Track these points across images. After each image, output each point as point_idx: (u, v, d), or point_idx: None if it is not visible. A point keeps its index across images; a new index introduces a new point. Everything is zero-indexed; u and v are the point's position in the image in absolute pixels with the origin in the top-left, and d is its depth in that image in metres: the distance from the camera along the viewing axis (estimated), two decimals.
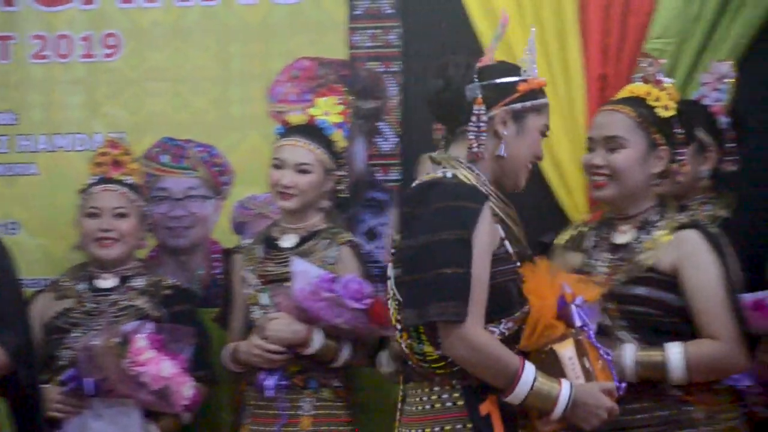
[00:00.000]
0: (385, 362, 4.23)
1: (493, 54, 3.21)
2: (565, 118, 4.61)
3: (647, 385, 3.43)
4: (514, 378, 3.02)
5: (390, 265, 3.15)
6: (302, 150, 4.26)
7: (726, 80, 4.13)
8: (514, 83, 3.15)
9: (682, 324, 3.49)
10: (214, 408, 4.51)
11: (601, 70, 4.59)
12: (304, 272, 4.10)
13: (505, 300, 3.06)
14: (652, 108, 3.53)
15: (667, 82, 3.56)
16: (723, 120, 4.09)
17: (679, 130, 3.54)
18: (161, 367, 4.06)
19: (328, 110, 4.32)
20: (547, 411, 3.05)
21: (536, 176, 4.62)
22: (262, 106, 4.81)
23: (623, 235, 3.57)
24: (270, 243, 4.32)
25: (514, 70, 3.19)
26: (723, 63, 4.19)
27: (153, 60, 4.87)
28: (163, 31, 4.87)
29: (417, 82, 4.78)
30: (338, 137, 4.32)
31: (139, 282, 4.39)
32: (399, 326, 3.11)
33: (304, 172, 4.25)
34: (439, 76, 3.16)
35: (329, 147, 4.29)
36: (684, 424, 3.46)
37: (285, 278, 4.19)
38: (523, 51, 3.25)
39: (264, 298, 4.26)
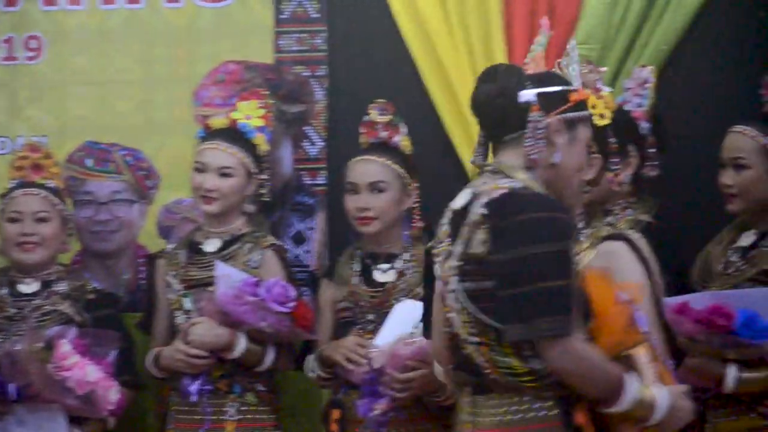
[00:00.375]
0: (311, 366, 4.22)
1: (541, 62, 3.20)
2: None
3: None
4: (620, 387, 2.98)
5: (453, 278, 3.04)
6: (224, 154, 4.24)
7: (647, 85, 4.17)
8: (567, 92, 3.13)
9: None
10: (138, 413, 4.49)
11: None
12: (227, 276, 4.08)
13: (582, 310, 3.02)
14: None
15: (606, 90, 3.58)
16: (644, 125, 4.12)
17: (613, 140, 3.56)
18: (86, 372, 4.03)
19: (249, 114, 4.31)
20: (645, 418, 3.01)
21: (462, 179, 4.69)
22: (188, 110, 4.78)
23: None
24: (193, 247, 4.31)
25: (562, 79, 3.17)
26: (644, 68, 4.23)
27: (76, 63, 4.83)
28: (86, 34, 4.83)
29: (343, 87, 4.81)
30: (260, 141, 4.30)
31: (61, 286, 4.35)
32: (475, 339, 3.02)
33: (226, 175, 4.23)
34: (491, 81, 3.11)
35: (251, 151, 4.28)
36: None
37: (208, 283, 4.17)
38: (558, 63, 3.24)
39: (187, 303, 4.24)
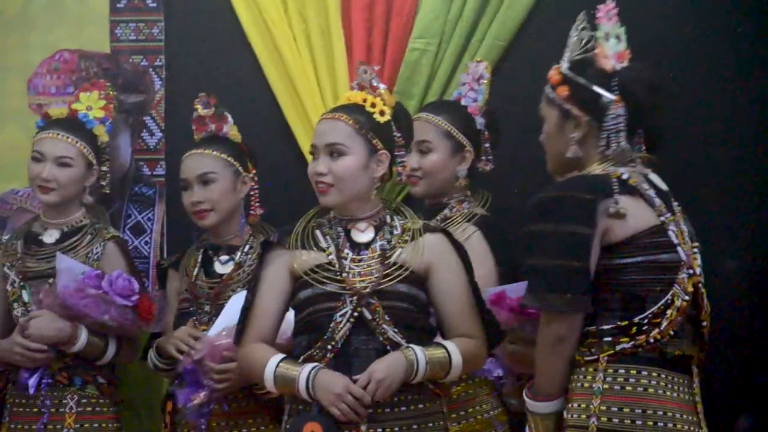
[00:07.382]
0: (155, 358, 4.20)
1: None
2: None
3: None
4: None
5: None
6: (63, 143, 4.19)
7: (482, 81, 4.24)
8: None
9: (426, 319, 3.60)
10: None
11: None
12: (69, 269, 4.03)
13: None
14: (369, 114, 3.60)
15: (382, 87, 3.63)
16: (479, 120, 4.21)
17: (398, 134, 3.61)
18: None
19: (90, 105, 4.26)
20: None
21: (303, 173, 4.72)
22: (22, 99, 4.72)
23: (363, 234, 3.61)
24: (31, 238, 4.23)
25: None
26: (479, 64, 4.27)
27: None
28: None
29: (181, 77, 4.79)
30: (100, 132, 4.25)
31: None
32: None
33: (64, 165, 4.18)
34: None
35: (91, 141, 4.24)
36: (435, 417, 3.54)
37: (47, 275, 4.11)
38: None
39: (25, 295, 4.17)
